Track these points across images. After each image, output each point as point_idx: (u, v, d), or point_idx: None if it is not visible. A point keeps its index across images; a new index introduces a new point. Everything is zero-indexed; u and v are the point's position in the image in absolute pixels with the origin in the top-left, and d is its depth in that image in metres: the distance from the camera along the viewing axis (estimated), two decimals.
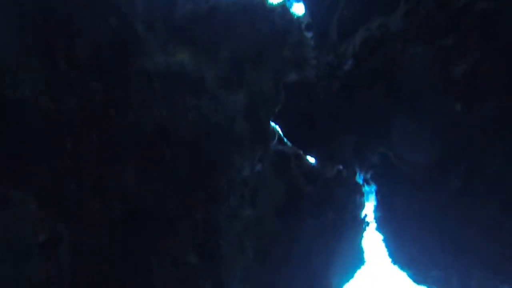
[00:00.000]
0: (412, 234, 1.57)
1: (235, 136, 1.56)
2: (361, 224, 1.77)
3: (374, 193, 1.86)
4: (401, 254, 1.68)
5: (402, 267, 1.73)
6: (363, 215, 1.82)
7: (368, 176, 1.70)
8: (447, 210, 1.43)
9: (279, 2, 2.46)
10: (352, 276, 1.78)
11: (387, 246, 1.77)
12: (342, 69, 1.86)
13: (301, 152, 1.98)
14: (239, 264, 1.24)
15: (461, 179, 1.35)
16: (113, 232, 0.98)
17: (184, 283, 0.98)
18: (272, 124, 1.86)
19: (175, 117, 1.42)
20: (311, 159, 2.05)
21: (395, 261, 1.78)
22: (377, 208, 1.76)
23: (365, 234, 1.86)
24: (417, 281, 1.76)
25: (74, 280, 0.89)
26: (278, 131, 2.05)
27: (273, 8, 2.23)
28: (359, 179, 1.98)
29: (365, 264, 1.80)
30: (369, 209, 2.01)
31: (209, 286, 0.96)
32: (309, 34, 2.28)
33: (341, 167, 1.92)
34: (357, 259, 1.72)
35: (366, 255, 1.91)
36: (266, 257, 1.49)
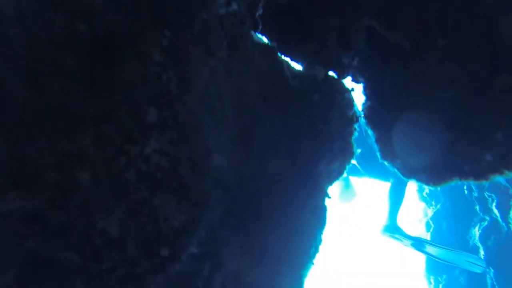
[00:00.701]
0: (401, 118, 1.50)
1: None
2: (350, 121, 1.70)
3: (363, 92, 1.79)
4: (390, 144, 1.61)
5: (391, 161, 1.66)
6: (351, 113, 1.75)
7: (355, 63, 1.61)
8: (435, 80, 1.36)
9: None
10: (342, 172, 1.72)
11: (376, 140, 1.70)
12: None
13: (288, 59, 1.93)
14: (212, 94, 1.13)
15: (447, 36, 1.26)
16: (77, 53, 0.92)
17: (146, 80, 0.94)
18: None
19: None
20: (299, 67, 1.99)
21: (384, 156, 1.71)
22: (365, 102, 1.68)
23: (354, 131, 1.80)
24: (405, 174, 1.69)
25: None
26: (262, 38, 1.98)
27: None
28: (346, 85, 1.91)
29: (355, 156, 1.73)
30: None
31: (175, 80, 0.92)
32: None
33: (329, 72, 1.85)
34: (347, 153, 1.65)
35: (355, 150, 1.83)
36: (249, 138, 1.45)
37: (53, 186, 0.77)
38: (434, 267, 9.24)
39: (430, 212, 9.54)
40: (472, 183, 7.88)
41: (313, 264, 1.68)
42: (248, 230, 1.35)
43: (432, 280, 9.69)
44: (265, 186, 1.40)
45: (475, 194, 7.98)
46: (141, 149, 0.83)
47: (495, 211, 7.53)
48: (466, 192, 8.25)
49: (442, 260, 5.28)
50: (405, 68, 1.30)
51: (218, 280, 1.00)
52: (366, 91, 1.62)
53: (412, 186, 10.93)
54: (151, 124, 0.85)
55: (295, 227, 1.48)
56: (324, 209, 1.60)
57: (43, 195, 0.78)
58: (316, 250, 1.63)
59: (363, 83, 1.64)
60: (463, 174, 1.43)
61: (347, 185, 6.36)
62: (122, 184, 0.82)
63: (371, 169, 5.91)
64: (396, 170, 1.63)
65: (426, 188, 9.72)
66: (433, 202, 9.69)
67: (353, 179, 6.39)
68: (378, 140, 1.55)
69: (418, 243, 5.10)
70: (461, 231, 8.60)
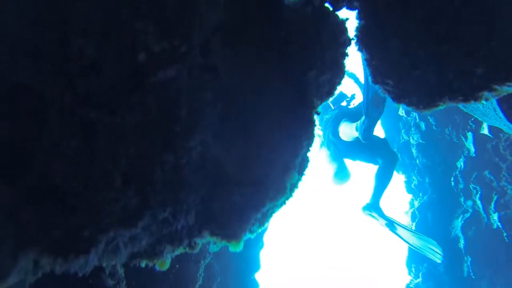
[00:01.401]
0: (395, 35, 1.43)
1: None
2: (343, 44, 1.63)
3: (356, 17, 1.71)
4: (382, 65, 1.54)
5: (382, 84, 1.58)
6: (344, 38, 1.67)
7: None
8: None
9: None
10: (332, 91, 1.65)
11: (367, 62, 1.61)
12: None
13: None
14: None
15: None
16: None
17: None
18: None
19: None
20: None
21: (375, 79, 1.64)
22: (358, 24, 1.59)
23: (346, 55, 1.72)
24: (396, 98, 1.62)
25: None
26: None
27: None
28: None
29: (345, 77, 1.65)
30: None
31: None
32: None
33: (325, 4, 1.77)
34: (338, 70, 1.58)
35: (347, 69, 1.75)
36: (238, 38, 1.38)
37: None
38: (416, 256, 9.29)
39: (417, 204, 9.59)
40: (459, 175, 7.84)
41: (301, 179, 1.63)
42: (232, 129, 1.30)
43: (413, 269, 9.76)
44: (252, 88, 1.34)
45: (461, 186, 8.01)
46: None
47: (478, 202, 7.56)
48: (452, 184, 8.27)
49: (409, 244, 5.41)
50: None
51: (199, 137, 0.95)
52: (360, 14, 1.55)
53: (400, 178, 10.94)
54: None
55: (280, 134, 1.42)
56: (312, 122, 1.54)
57: None
58: (304, 164, 1.57)
59: (358, 8, 1.57)
60: (452, 93, 1.38)
61: (342, 166, 6.35)
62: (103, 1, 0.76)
63: (362, 155, 5.89)
64: (387, 96, 1.58)
65: (415, 180, 9.74)
66: (420, 194, 9.71)
67: (347, 161, 6.37)
68: (369, 62, 1.49)
69: (390, 224, 5.17)
70: (444, 222, 8.66)
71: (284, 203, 1.67)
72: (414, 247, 5.44)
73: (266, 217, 1.46)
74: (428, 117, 8.07)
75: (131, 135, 0.83)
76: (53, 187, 0.85)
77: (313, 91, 1.53)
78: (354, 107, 6.63)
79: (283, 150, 1.37)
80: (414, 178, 9.74)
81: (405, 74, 1.45)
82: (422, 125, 8.29)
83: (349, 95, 6.96)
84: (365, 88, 4.55)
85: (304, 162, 1.64)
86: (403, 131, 9.55)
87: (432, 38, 1.32)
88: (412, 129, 8.69)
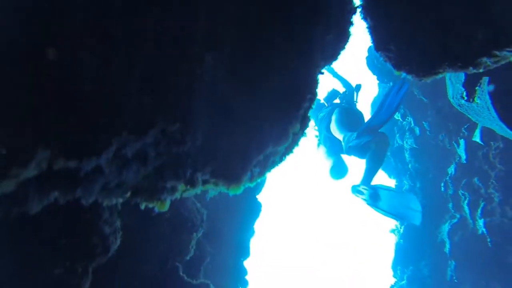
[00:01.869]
0: (398, 7, 1.47)
1: None
2: (349, 11, 1.66)
3: None
4: (384, 32, 1.59)
5: (384, 50, 1.63)
6: (349, 7, 1.70)
7: None
8: None
9: None
10: (336, 54, 1.69)
11: (371, 30, 1.65)
12: None
13: None
14: None
15: None
16: None
17: None
18: None
19: None
20: None
21: (377, 46, 1.68)
22: None
23: (352, 24, 1.76)
24: (397, 65, 1.66)
25: None
26: None
27: None
28: None
29: (349, 41, 1.70)
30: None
31: None
32: None
33: None
34: (342, 34, 1.62)
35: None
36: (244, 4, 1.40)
37: None
38: (402, 259, 9.36)
39: None
40: (449, 181, 7.92)
41: (302, 135, 1.66)
42: (238, 76, 1.33)
43: (398, 272, 9.82)
44: (258, 46, 1.38)
45: (450, 192, 8.10)
46: None
47: (466, 208, 7.65)
48: (442, 189, 8.36)
49: (391, 215, 5.55)
50: None
51: (212, 58, 0.98)
52: None
53: (391, 182, 11.00)
54: None
55: (284, 85, 1.46)
56: (315, 81, 1.58)
57: None
58: (306, 120, 1.61)
59: None
60: (452, 59, 1.43)
61: (339, 161, 6.41)
62: None
63: (356, 150, 5.99)
64: (388, 64, 1.62)
65: (406, 184, 9.82)
66: None
67: (344, 157, 6.44)
68: (373, 29, 1.53)
69: (374, 195, 5.30)
70: (432, 226, 8.74)
71: (285, 157, 1.70)
72: (396, 215, 5.59)
73: (267, 163, 1.49)
74: (423, 122, 8.17)
75: (152, 40, 0.86)
76: (73, 88, 0.87)
77: (318, 50, 1.57)
78: (346, 102, 6.76)
79: (287, 100, 1.40)
80: (405, 182, 9.81)
81: (407, 40, 1.49)
82: (417, 130, 8.39)
83: (341, 92, 7.12)
84: (372, 117, 4.78)
85: (306, 119, 1.68)
86: (397, 135, 9.63)
87: (433, 3, 1.37)
88: (407, 133, 8.78)
